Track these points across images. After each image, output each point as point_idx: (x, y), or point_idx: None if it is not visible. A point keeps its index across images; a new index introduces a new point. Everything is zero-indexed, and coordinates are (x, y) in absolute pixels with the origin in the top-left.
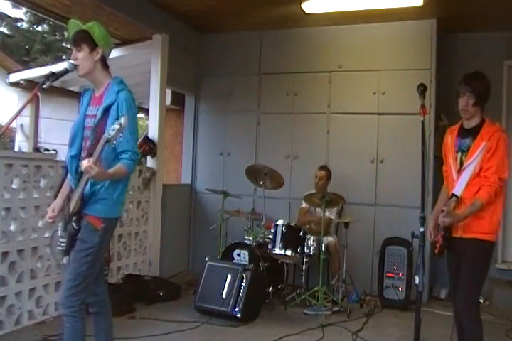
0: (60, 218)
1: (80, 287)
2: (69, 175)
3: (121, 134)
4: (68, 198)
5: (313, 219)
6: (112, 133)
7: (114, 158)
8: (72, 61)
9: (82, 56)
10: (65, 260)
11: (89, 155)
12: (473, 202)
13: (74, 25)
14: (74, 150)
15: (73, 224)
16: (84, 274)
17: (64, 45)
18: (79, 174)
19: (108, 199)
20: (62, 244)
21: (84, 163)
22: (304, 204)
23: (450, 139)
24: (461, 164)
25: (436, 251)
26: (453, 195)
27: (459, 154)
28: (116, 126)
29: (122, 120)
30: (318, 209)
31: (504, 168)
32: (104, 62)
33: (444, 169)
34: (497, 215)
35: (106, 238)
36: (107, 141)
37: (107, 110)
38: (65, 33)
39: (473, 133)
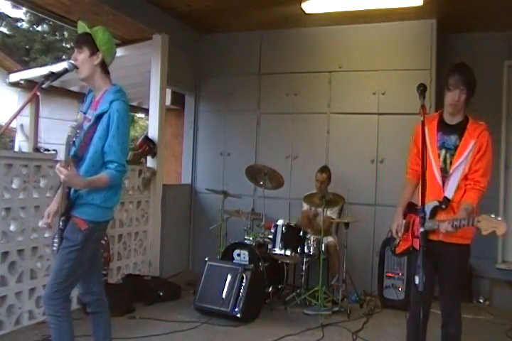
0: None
1: (63, 285)
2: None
3: (78, 131)
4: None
5: (313, 226)
6: (70, 130)
7: (101, 165)
8: (72, 61)
9: (81, 58)
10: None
11: (75, 156)
12: (466, 207)
13: (81, 27)
14: (71, 150)
15: (60, 223)
16: (67, 272)
17: (64, 45)
18: None
19: (92, 203)
20: (54, 244)
21: (56, 166)
22: (305, 207)
23: (428, 132)
24: (445, 162)
25: (399, 250)
26: (445, 198)
27: (443, 151)
28: (73, 123)
29: (78, 116)
30: (319, 209)
31: (489, 171)
32: (104, 67)
33: (412, 161)
34: None
35: (92, 238)
36: (67, 139)
37: (99, 117)
38: (66, 32)
39: (459, 130)
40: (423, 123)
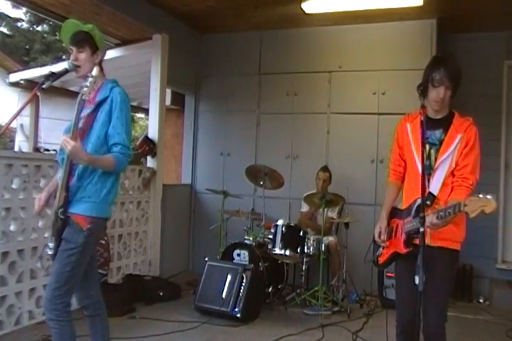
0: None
1: (64, 288)
2: (58, 173)
3: (94, 86)
4: (55, 195)
5: (314, 227)
6: (85, 88)
7: (104, 152)
8: (72, 61)
9: (83, 57)
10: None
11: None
12: (454, 203)
13: (74, 25)
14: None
15: (60, 216)
16: (68, 275)
17: (64, 45)
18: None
19: (95, 196)
20: (50, 247)
21: (63, 138)
22: (305, 209)
23: (411, 129)
24: (429, 158)
25: (382, 259)
26: (430, 193)
27: (427, 147)
28: (89, 79)
29: (94, 72)
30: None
31: (478, 168)
32: (100, 64)
33: (395, 162)
34: (465, 220)
35: (92, 239)
36: (81, 96)
37: (99, 105)
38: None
39: (444, 124)
40: (422, 124)
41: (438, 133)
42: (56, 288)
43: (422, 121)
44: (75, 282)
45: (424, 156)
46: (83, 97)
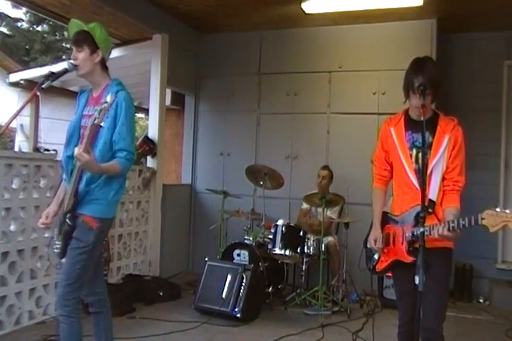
0: (56, 222)
1: (75, 285)
2: (64, 176)
3: (107, 113)
4: (63, 199)
5: (313, 223)
6: (97, 113)
7: (110, 157)
8: (71, 61)
9: (82, 57)
10: (63, 260)
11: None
12: (454, 212)
13: (75, 25)
14: (70, 150)
15: (68, 221)
16: (79, 273)
17: (64, 45)
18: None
19: (103, 199)
20: (57, 246)
21: (75, 150)
22: (304, 206)
23: (395, 133)
24: (418, 162)
25: (380, 266)
26: (431, 201)
27: (414, 151)
28: (104, 105)
29: (108, 98)
30: (319, 210)
31: (464, 169)
32: (103, 63)
33: (380, 167)
34: None
35: (101, 237)
36: (94, 121)
37: None
38: (66, 32)
39: (430, 126)
40: (423, 123)
41: (425, 135)
42: (68, 285)
43: (422, 123)
44: (85, 279)
45: (413, 160)
46: (95, 122)
